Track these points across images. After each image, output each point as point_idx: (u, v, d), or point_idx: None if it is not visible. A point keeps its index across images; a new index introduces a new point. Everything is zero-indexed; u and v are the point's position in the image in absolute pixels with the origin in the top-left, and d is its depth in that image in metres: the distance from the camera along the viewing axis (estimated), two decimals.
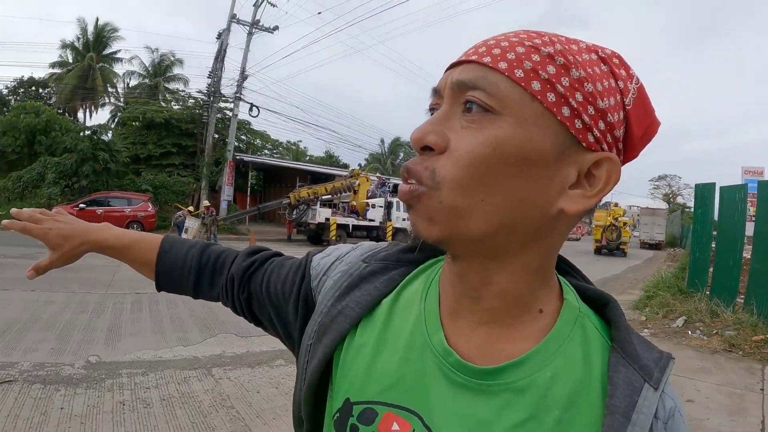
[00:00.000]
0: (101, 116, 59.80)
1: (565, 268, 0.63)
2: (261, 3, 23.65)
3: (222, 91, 24.47)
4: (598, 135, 0.49)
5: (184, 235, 15.89)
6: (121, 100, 35.61)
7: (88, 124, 32.74)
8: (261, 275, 0.78)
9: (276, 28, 24.28)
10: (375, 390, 0.57)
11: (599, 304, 0.59)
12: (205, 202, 17.90)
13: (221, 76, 24.28)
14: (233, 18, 23.85)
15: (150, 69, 35.41)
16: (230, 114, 25.09)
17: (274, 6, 23.93)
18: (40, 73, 36.01)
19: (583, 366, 0.52)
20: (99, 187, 21.11)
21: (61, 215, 0.89)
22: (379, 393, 0.57)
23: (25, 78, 34.97)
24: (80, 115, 35.23)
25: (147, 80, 35.36)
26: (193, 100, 28.32)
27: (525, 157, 0.47)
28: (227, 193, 23.59)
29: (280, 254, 0.83)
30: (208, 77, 24.63)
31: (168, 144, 25.40)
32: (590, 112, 0.48)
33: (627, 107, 0.51)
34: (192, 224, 16.32)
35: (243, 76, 23.80)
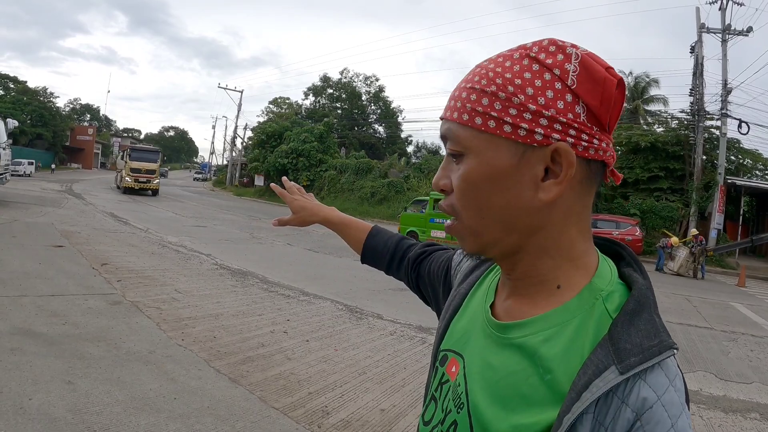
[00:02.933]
0: None
1: (629, 260, 0.67)
2: (726, 5, 21.23)
3: (706, 108, 22.66)
4: (542, 132, 0.58)
5: (670, 263, 16.07)
6: None
7: None
8: (428, 261, 1.02)
9: (749, 29, 21.17)
10: (452, 341, 0.75)
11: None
12: (694, 230, 17.40)
13: (703, 92, 22.61)
14: (702, 28, 22.11)
15: (627, 93, 35.68)
16: (717, 133, 22.93)
17: (741, 5, 21.11)
18: None
19: (573, 341, 0.59)
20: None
21: (308, 194, 1.26)
22: (452, 343, 0.75)
23: None
24: None
25: (626, 104, 35.70)
26: (676, 121, 27.00)
27: (490, 177, 0.60)
28: (717, 220, 21.73)
29: (446, 249, 1.04)
30: (689, 95, 23.36)
31: (655, 168, 24.73)
32: (527, 117, 0.58)
33: (573, 87, 0.58)
34: (680, 253, 16.22)
35: (726, 90, 21.45)
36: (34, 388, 3.43)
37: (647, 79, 34.90)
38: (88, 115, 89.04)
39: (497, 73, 0.60)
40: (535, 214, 0.60)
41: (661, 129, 28.11)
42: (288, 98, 59.13)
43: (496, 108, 0.59)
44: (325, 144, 35.35)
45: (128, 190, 27.86)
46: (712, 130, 23.90)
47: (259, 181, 38.51)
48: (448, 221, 0.68)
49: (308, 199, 1.24)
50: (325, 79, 51.40)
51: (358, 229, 1.16)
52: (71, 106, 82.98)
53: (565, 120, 0.58)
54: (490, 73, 0.61)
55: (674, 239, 16.77)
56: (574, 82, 0.58)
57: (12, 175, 30.95)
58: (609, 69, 0.59)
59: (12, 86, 53.71)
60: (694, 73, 22.87)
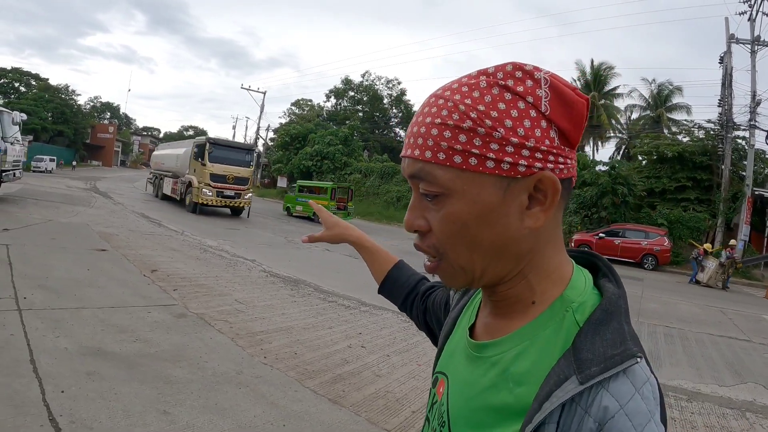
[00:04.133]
0: (607, 150, 63.47)
1: (604, 271, 0.68)
2: (756, 16, 20.93)
3: (734, 119, 22.35)
4: (526, 163, 0.57)
5: (700, 274, 15.74)
6: (624, 133, 36.73)
7: (596, 158, 34.42)
8: (434, 295, 1.04)
9: None
10: (442, 362, 0.77)
11: None
12: (733, 241, 17.08)
13: (731, 103, 22.27)
14: (731, 38, 21.79)
15: (650, 100, 35.40)
16: (743, 143, 22.73)
17: None
18: None
19: (543, 353, 0.59)
20: (616, 219, 21.85)
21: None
22: (442, 365, 0.76)
23: None
24: (587, 149, 37.05)
25: (648, 112, 35.42)
26: (702, 131, 26.48)
27: (477, 215, 0.59)
28: (744, 232, 21.21)
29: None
30: (718, 105, 23.03)
31: (682, 178, 24.38)
32: (509, 150, 0.57)
33: (547, 114, 0.58)
34: (710, 264, 15.91)
35: (755, 101, 21.15)
36: (128, 421, 3.07)
37: (670, 87, 34.50)
38: (109, 113, 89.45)
39: (469, 106, 0.57)
40: (522, 241, 0.61)
41: (687, 139, 27.70)
42: (310, 100, 59.04)
43: (476, 144, 0.57)
44: (350, 147, 35.26)
45: (203, 208, 18.19)
46: (738, 140, 23.54)
47: (281, 182, 38.33)
48: (430, 262, 0.66)
49: (340, 219, 1.23)
50: (347, 81, 51.11)
51: (386, 259, 1.17)
52: (92, 103, 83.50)
53: (545, 148, 0.57)
54: (460, 106, 0.58)
55: (706, 245, 16.47)
56: (548, 108, 0.57)
57: (33, 171, 31.29)
58: (575, 90, 0.59)
59: (34, 83, 54.23)
60: (723, 84, 22.51)
